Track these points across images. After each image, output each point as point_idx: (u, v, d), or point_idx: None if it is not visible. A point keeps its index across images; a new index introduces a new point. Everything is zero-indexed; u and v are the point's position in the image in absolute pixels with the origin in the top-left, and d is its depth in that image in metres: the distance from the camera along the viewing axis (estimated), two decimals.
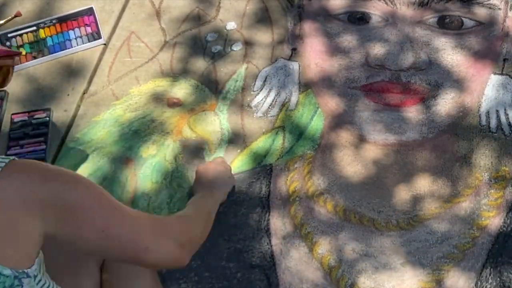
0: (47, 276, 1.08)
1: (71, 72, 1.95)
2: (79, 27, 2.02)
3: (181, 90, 1.88)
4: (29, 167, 1.04)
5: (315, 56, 1.91)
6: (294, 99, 1.83)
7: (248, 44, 1.97)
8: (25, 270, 1.00)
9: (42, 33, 2.01)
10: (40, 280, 1.04)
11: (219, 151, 1.74)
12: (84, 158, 1.75)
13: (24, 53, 1.98)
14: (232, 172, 1.67)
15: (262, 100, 1.83)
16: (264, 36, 1.98)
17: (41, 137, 1.79)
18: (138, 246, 1.09)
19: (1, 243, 0.98)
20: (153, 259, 1.11)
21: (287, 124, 1.78)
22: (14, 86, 1.91)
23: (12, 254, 0.99)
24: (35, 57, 1.98)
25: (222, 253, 1.56)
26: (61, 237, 1.05)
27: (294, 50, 1.94)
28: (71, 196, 1.04)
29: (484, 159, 1.67)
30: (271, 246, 1.57)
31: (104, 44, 2.00)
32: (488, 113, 1.75)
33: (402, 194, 1.63)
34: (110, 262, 1.29)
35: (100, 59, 1.97)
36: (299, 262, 1.54)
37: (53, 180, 1.03)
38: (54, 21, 2.03)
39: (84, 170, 1.72)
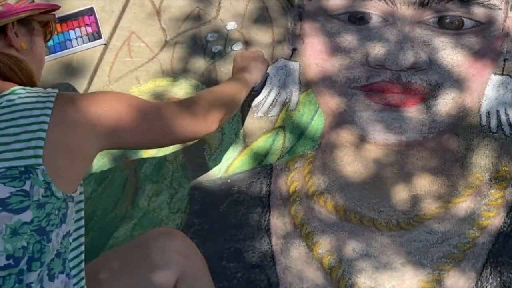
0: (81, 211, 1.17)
1: (72, 72, 1.95)
2: (79, 27, 2.02)
3: (182, 90, 1.88)
4: (75, 98, 1.17)
5: (315, 56, 1.91)
6: (294, 99, 1.83)
7: (248, 44, 1.97)
8: (72, 195, 1.08)
9: None
10: (74, 208, 1.11)
11: (220, 151, 1.74)
12: None
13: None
14: (232, 172, 1.67)
15: (262, 100, 1.83)
16: (264, 36, 1.98)
17: None
18: (176, 131, 1.30)
19: (60, 167, 1.05)
20: (190, 135, 1.35)
21: (288, 124, 1.78)
22: None
23: (66, 178, 1.07)
24: None
25: (222, 253, 1.56)
26: (112, 147, 1.22)
27: (294, 50, 1.93)
28: (112, 113, 1.16)
29: (484, 159, 1.67)
30: (272, 246, 1.57)
31: (105, 44, 2.00)
32: (488, 113, 1.75)
33: (403, 194, 1.63)
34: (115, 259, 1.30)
35: (100, 59, 1.97)
36: (300, 262, 1.54)
37: (96, 105, 1.16)
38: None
39: None
